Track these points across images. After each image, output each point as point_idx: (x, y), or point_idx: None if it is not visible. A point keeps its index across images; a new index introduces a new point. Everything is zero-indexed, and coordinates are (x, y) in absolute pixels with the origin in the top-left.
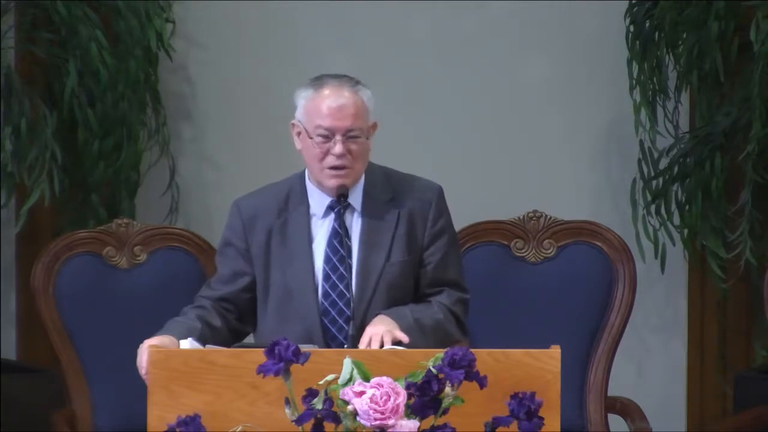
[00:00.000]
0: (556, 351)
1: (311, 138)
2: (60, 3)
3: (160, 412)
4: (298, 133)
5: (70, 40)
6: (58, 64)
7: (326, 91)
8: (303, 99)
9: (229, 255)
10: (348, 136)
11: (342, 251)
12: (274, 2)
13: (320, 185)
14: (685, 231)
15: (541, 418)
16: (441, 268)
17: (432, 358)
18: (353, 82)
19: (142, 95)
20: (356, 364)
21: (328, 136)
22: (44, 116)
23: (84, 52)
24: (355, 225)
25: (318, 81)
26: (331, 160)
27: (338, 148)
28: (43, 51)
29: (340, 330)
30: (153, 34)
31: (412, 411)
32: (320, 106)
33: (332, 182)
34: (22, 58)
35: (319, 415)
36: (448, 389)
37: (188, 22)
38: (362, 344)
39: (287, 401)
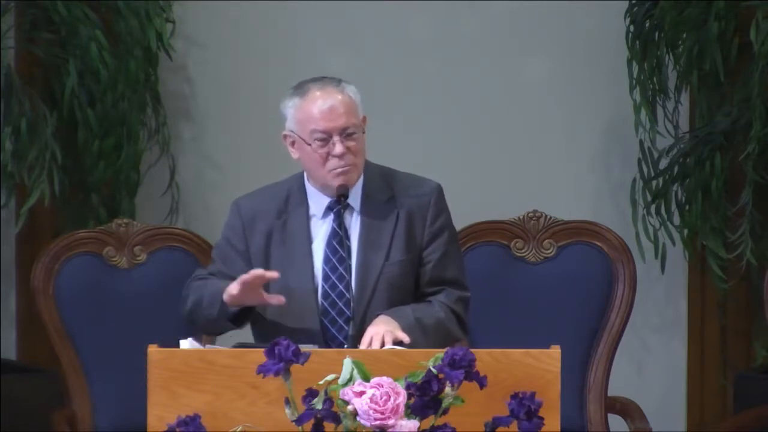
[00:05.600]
0: (556, 351)
1: (309, 144)
2: (60, 3)
3: (160, 412)
4: (293, 143)
5: (70, 40)
6: (58, 64)
7: (313, 95)
8: (291, 108)
9: (228, 256)
10: (345, 134)
11: (341, 251)
12: (274, 2)
13: (325, 188)
14: (685, 231)
15: (541, 418)
16: (440, 267)
17: (432, 358)
18: (336, 81)
19: (142, 95)
20: (356, 364)
21: (326, 139)
22: (44, 116)
23: (84, 52)
24: (355, 225)
25: (301, 88)
26: (334, 162)
27: (338, 148)
28: (43, 51)
29: (340, 330)
30: (153, 34)
31: (412, 411)
32: (311, 110)
33: (338, 181)
34: (22, 58)
35: (319, 415)
36: (448, 389)
37: (188, 22)
38: (363, 344)
39: (287, 401)
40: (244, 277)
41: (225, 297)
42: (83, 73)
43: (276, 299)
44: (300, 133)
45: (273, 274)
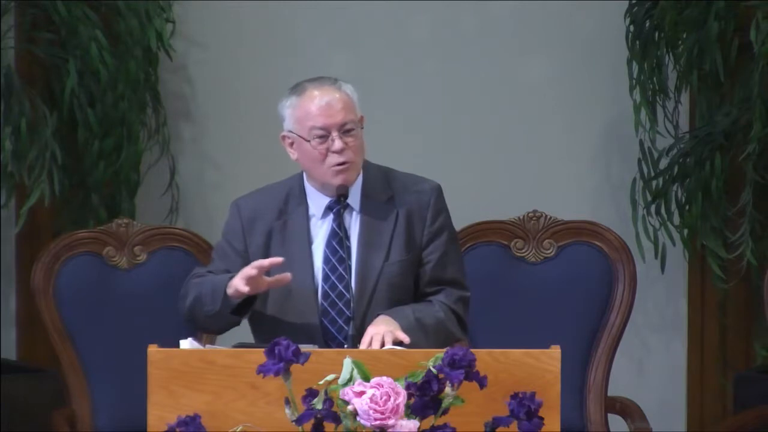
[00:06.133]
0: (556, 351)
1: (308, 141)
2: (60, 3)
3: (160, 412)
4: (291, 143)
5: (70, 40)
6: (58, 64)
7: (310, 93)
8: (289, 108)
9: (233, 258)
10: (343, 130)
11: (341, 252)
12: (274, 2)
13: (325, 186)
14: (685, 231)
15: (541, 418)
16: (440, 267)
17: (432, 358)
18: (332, 80)
19: (142, 95)
20: (356, 364)
21: (325, 135)
22: (44, 116)
23: (84, 52)
24: (354, 225)
25: (298, 87)
26: (333, 159)
27: (337, 143)
28: (43, 51)
29: (340, 330)
30: (153, 34)
31: (412, 411)
32: (309, 108)
33: (338, 179)
34: (22, 58)
35: (319, 415)
36: (448, 389)
37: (188, 22)
38: (363, 344)
39: (287, 401)
40: (249, 273)
41: (230, 291)
42: (83, 73)
43: (278, 280)
44: (299, 131)
45: (276, 260)
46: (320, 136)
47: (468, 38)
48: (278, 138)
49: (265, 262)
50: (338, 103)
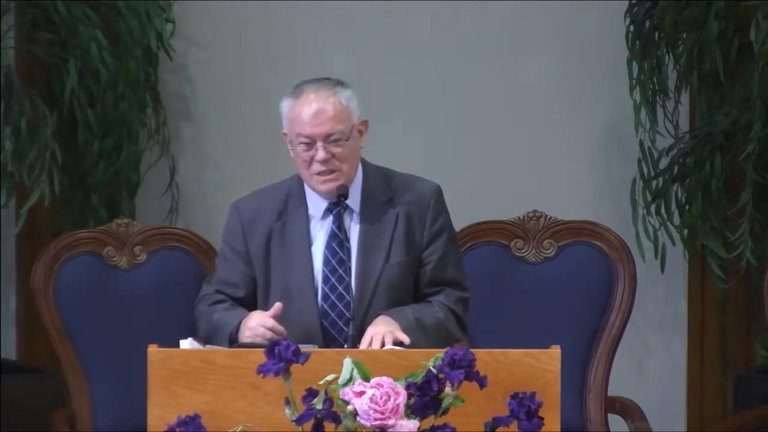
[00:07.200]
0: (556, 351)
1: (294, 147)
2: (60, 3)
3: (160, 412)
4: (290, 142)
5: (70, 40)
6: (58, 64)
7: (305, 98)
8: (286, 108)
9: (234, 260)
10: (329, 141)
11: (341, 253)
12: (274, 2)
13: (314, 191)
14: (685, 231)
15: (541, 418)
16: (440, 268)
17: (432, 358)
18: (332, 84)
19: (142, 95)
20: (356, 364)
21: (310, 143)
22: (44, 116)
23: (84, 52)
24: (354, 227)
25: (297, 89)
26: (317, 167)
27: (320, 154)
28: (43, 51)
29: (340, 332)
30: (153, 34)
31: (412, 411)
32: (299, 114)
33: (322, 187)
34: (22, 58)
35: (319, 415)
36: (448, 389)
37: (188, 22)
38: (363, 344)
39: (287, 401)
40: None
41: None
42: (83, 73)
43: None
44: (289, 134)
45: (277, 309)
46: (305, 144)
47: (468, 38)
48: (278, 138)
49: (269, 321)
50: (328, 112)
